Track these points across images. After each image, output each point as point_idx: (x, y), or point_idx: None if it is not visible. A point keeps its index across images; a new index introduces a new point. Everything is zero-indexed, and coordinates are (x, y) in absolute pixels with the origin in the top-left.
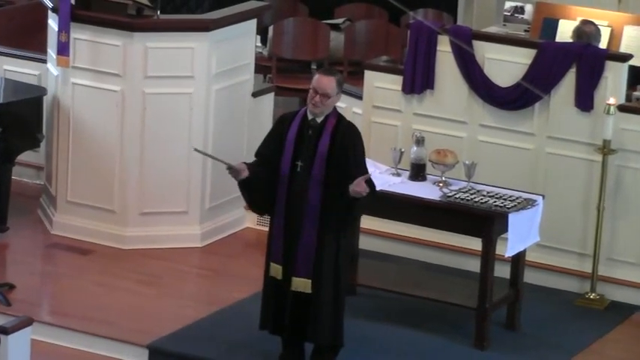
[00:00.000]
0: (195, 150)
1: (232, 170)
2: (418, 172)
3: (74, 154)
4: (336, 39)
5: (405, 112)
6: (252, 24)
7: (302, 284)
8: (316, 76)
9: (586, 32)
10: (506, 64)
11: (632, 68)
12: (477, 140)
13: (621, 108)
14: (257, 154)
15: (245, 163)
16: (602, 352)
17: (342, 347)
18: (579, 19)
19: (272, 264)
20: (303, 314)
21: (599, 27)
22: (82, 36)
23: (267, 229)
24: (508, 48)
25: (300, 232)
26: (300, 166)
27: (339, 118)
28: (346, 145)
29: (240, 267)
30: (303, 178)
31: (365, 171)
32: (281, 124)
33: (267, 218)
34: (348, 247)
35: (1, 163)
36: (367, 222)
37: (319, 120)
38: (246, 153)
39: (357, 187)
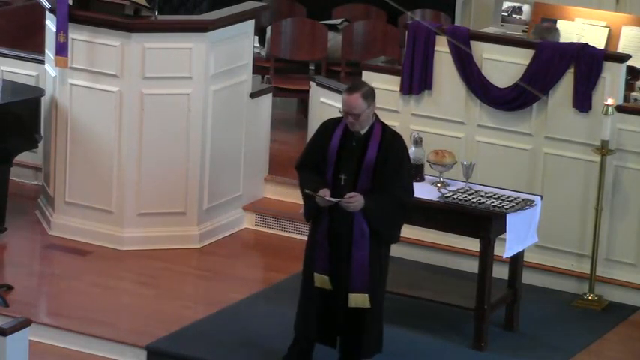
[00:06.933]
0: (308, 194)
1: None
2: (416, 173)
3: (72, 155)
4: (334, 39)
5: (402, 113)
6: (250, 25)
7: (361, 299)
8: (342, 96)
9: (545, 29)
10: (504, 65)
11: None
12: (474, 141)
13: (619, 108)
14: (302, 164)
15: (316, 182)
16: (601, 352)
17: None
18: (576, 19)
19: (317, 275)
20: (354, 326)
21: (599, 26)
22: (79, 37)
23: (265, 229)
24: (506, 48)
25: (349, 245)
26: (343, 180)
27: (384, 127)
28: (391, 158)
29: (238, 268)
30: (346, 191)
31: (403, 186)
32: (324, 132)
33: (265, 219)
34: (388, 257)
35: None
36: None
37: (363, 132)
38: (243, 153)
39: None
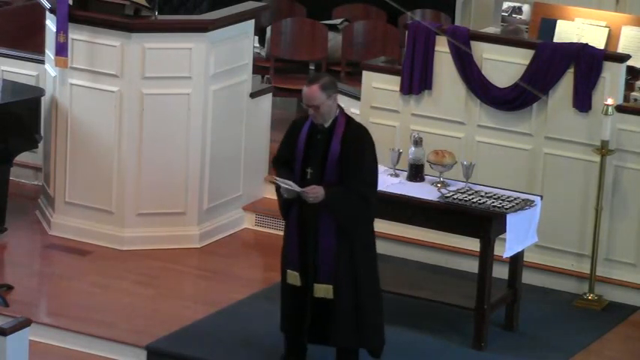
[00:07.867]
0: (272, 182)
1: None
2: (416, 173)
3: (72, 155)
4: (334, 39)
5: (402, 113)
6: (250, 25)
7: (324, 290)
8: (303, 89)
9: (511, 32)
10: (504, 65)
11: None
12: (474, 141)
13: (619, 108)
14: (277, 160)
15: (287, 175)
16: (601, 352)
17: (380, 349)
18: (576, 19)
19: (289, 271)
20: (325, 318)
21: (599, 26)
22: (79, 37)
23: (265, 229)
24: (506, 48)
25: (317, 238)
26: (309, 173)
27: (348, 119)
28: (353, 151)
29: (238, 268)
30: (313, 184)
31: (364, 179)
32: (293, 129)
33: (265, 219)
34: (368, 251)
35: None
36: None
37: (327, 124)
38: (243, 153)
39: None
